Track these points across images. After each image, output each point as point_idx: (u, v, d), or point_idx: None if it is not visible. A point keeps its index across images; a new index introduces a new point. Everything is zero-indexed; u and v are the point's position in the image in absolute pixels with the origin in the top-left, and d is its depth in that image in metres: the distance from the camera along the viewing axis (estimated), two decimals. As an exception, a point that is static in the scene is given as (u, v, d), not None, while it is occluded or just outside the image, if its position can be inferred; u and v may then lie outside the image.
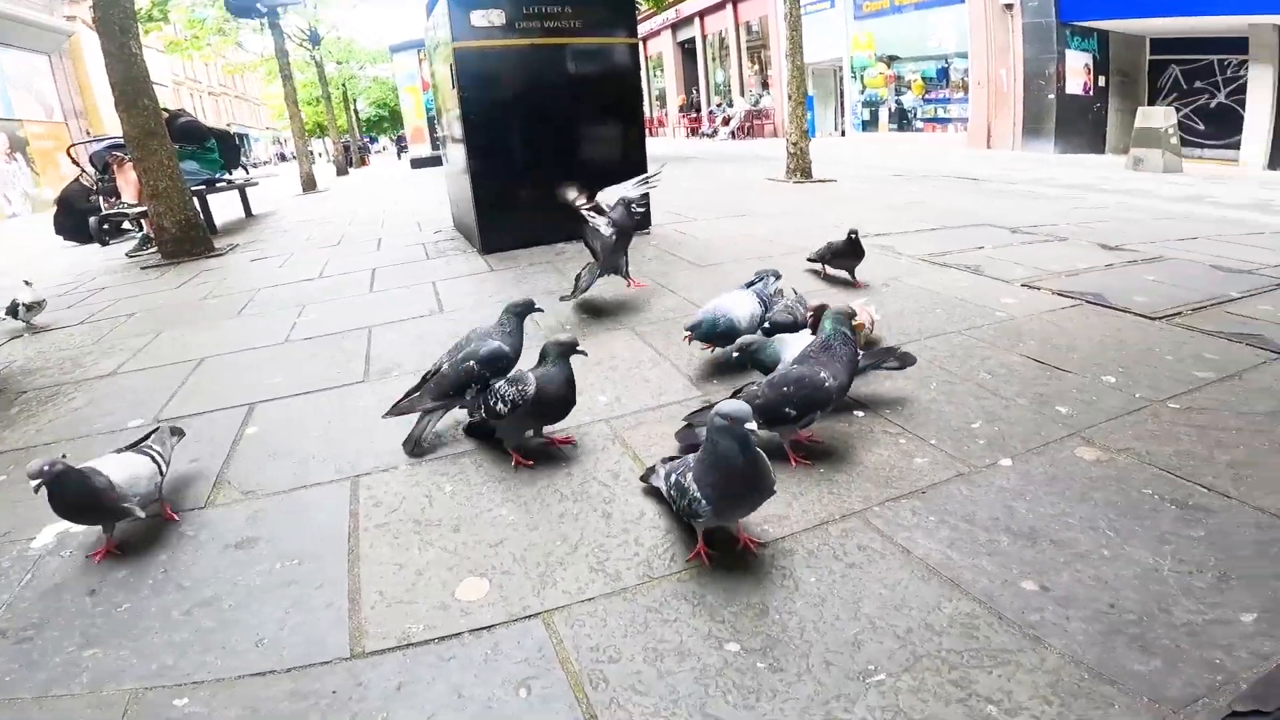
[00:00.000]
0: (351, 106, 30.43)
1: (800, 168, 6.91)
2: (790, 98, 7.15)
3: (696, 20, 23.49)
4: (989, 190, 5.96)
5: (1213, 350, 1.92)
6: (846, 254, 2.66)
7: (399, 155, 27.06)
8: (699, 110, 23.32)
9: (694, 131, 22.82)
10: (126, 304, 3.62)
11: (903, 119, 16.59)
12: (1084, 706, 0.86)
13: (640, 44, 4.13)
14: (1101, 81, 13.09)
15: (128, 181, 6.01)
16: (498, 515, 1.37)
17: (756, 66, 21.04)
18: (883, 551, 1.18)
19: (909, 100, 16.43)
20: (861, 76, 17.26)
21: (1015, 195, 5.57)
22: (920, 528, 1.23)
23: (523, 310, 1.72)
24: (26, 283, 3.24)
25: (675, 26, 25.18)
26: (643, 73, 29.50)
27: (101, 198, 6.91)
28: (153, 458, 1.44)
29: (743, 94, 20.97)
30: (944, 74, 15.39)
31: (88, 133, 21.23)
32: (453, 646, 1.05)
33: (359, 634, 1.09)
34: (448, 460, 1.60)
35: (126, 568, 1.31)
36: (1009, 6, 12.89)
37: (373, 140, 41.58)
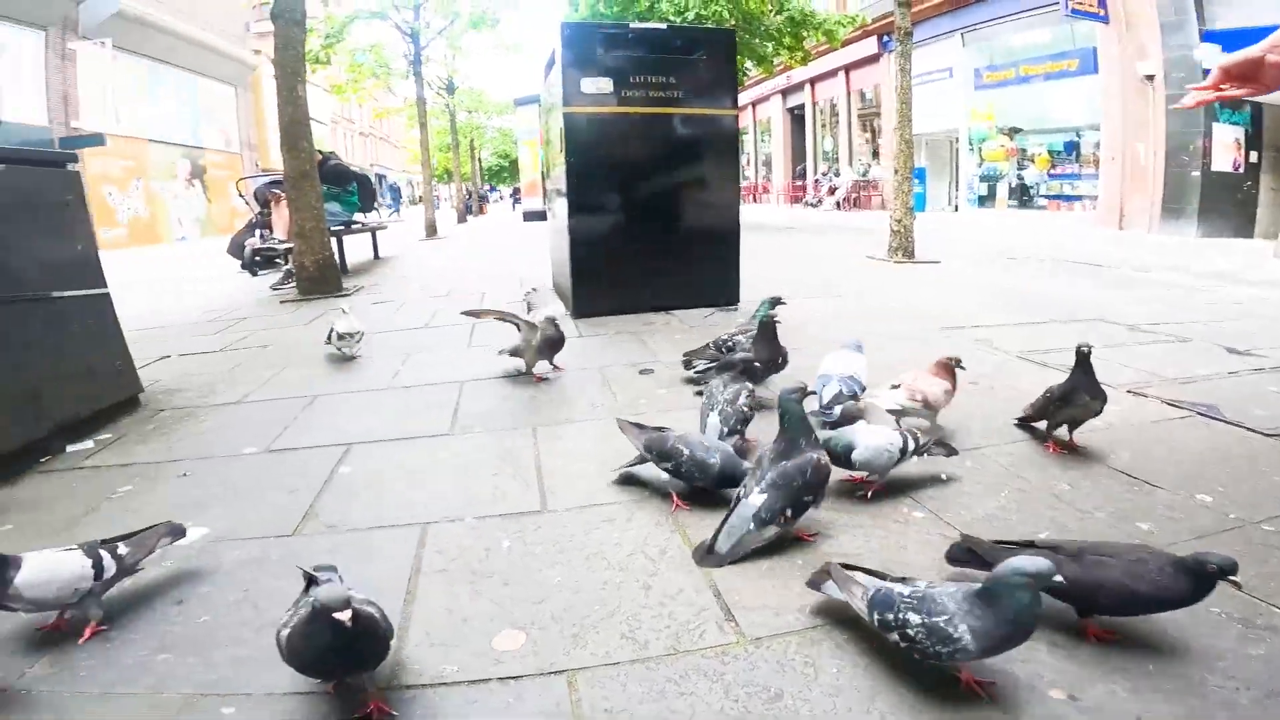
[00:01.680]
0: (476, 155, 31.77)
1: (902, 246, 6.76)
2: (896, 172, 7.06)
3: (808, 87, 23.59)
4: (1112, 278, 5.60)
5: (1339, 480, 1.72)
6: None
7: (514, 206, 28.39)
8: (804, 178, 23.31)
9: (798, 200, 22.78)
10: (262, 335, 4.06)
11: (1024, 195, 15.80)
12: None
13: (737, 116, 4.25)
14: (1254, 158, 11.98)
15: (281, 218, 6.69)
16: (546, 575, 1.44)
17: (868, 135, 20.79)
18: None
19: (1031, 175, 15.66)
20: (979, 149, 16.60)
21: (1141, 284, 5.20)
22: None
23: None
24: (343, 310, 3.27)
25: (786, 93, 25.37)
26: (751, 139, 29.99)
27: (258, 230, 7.77)
28: (98, 559, 1.33)
29: (851, 163, 20.78)
30: (1073, 148, 14.66)
31: (257, 165, 23.84)
32: (480, 691, 1.12)
33: (399, 668, 1.18)
34: (510, 518, 1.69)
35: (212, 585, 1.46)
36: (1149, 78, 12.12)
37: (492, 189, 43.53)
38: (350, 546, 1.59)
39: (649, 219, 3.98)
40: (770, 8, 11.82)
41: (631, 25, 4.15)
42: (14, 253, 2.27)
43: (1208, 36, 11.46)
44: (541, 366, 2.84)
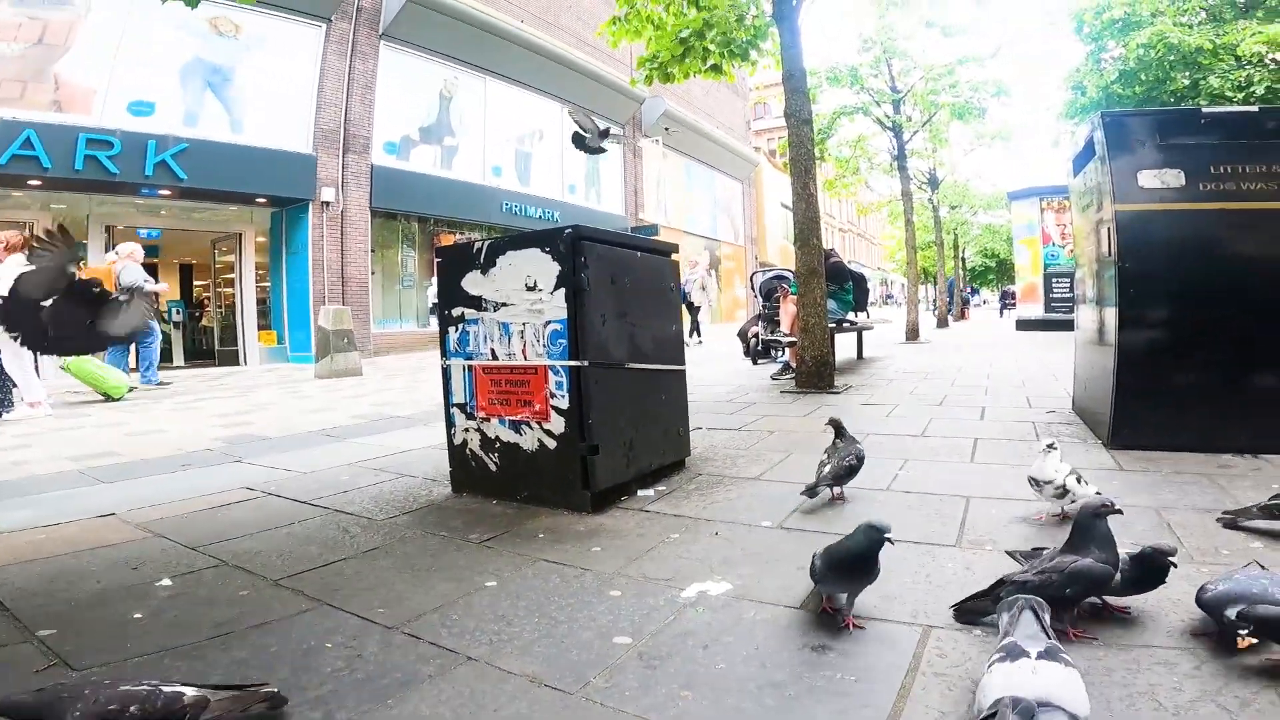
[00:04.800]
0: (959, 254, 29.71)
1: None
2: None
3: None
4: None
5: None
6: None
7: (1001, 312, 25.64)
8: None
9: None
10: (768, 421, 4.58)
11: None
12: None
13: None
14: None
15: (786, 312, 7.43)
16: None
17: None
18: None
19: None
20: None
21: None
22: None
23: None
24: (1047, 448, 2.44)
25: None
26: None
27: (761, 323, 8.85)
28: None
29: None
30: None
31: (756, 259, 27.40)
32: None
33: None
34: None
35: (733, 637, 1.64)
36: None
37: (974, 291, 40.22)
38: (855, 631, 1.65)
39: (1241, 337, 3.11)
40: None
41: (1204, 109, 3.42)
42: (646, 329, 3.09)
43: None
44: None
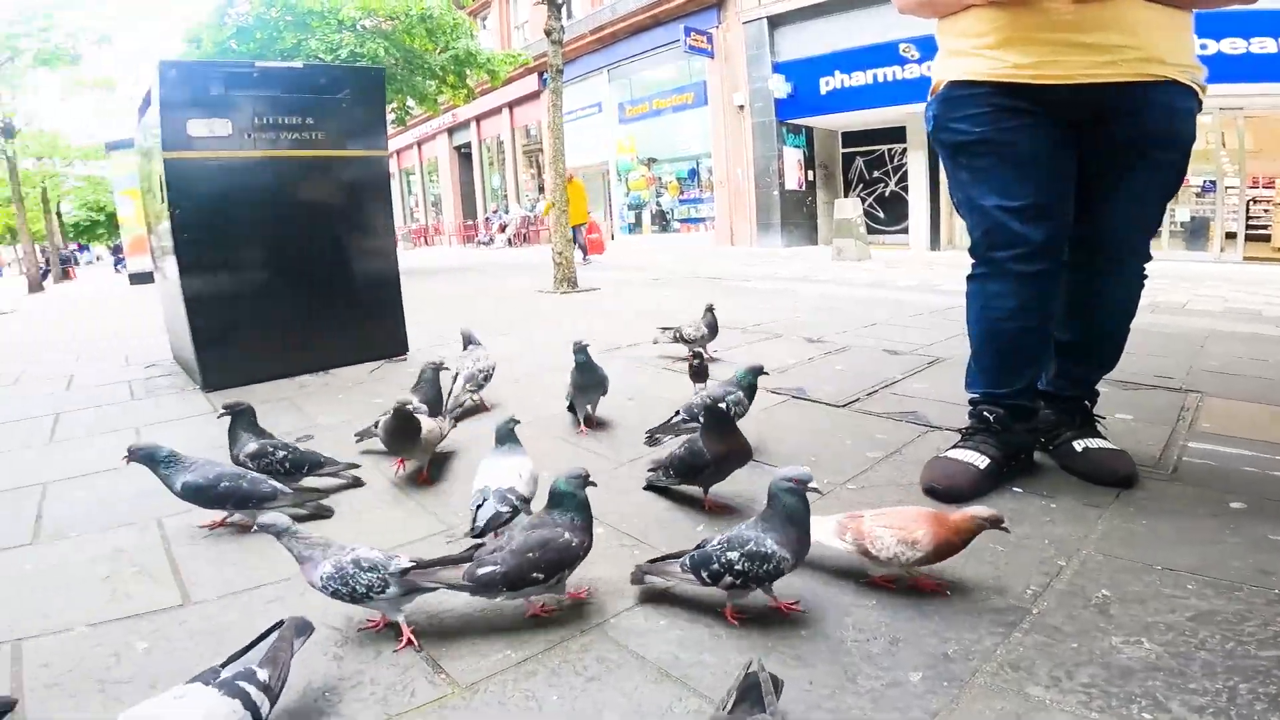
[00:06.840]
0: (54, 209, 26.00)
1: (566, 277, 7.20)
2: (554, 205, 7.50)
3: (473, 124, 23.80)
4: (727, 289, 6.78)
5: (882, 431, 2.32)
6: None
7: (116, 268, 23.29)
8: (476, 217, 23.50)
9: (470, 240, 22.77)
10: None
11: (663, 220, 18.09)
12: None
13: (387, 157, 4.12)
14: (811, 176, 15.09)
15: None
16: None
17: (534, 170, 21.62)
18: (619, 662, 1.22)
19: (666, 201, 17.99)
20: (626, 179, 18.35)
21: (747, 292, 6.41)
22: (652, 632, 1.30)
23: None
24: None
25: (451, 131, 25.27)
26: (418, 179, 28.94)
27: None
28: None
29: (519, 199, 21.47)
30: (694, 174, 17.19)
31: None
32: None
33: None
34: (145, 618, 1.43)
35: None
36: (741, 108, 14.77)
37: (83, 249, 35.63)
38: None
39: (289, 273, 3.57)
40: (433, 46, 11.67)
41: (257, 64, 3.69)
42: None
43: (778, 68, 14.20)
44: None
